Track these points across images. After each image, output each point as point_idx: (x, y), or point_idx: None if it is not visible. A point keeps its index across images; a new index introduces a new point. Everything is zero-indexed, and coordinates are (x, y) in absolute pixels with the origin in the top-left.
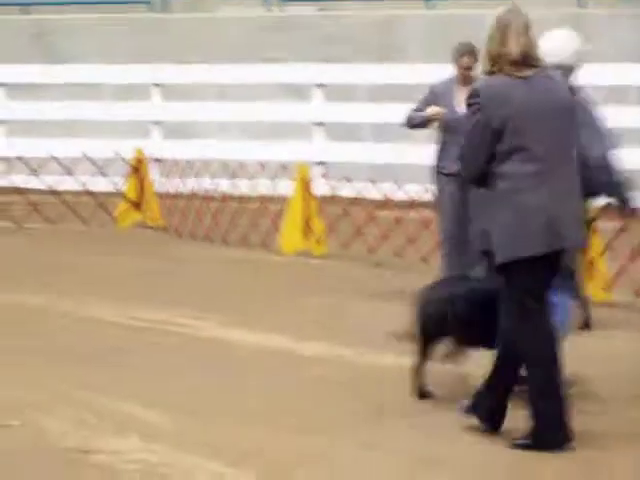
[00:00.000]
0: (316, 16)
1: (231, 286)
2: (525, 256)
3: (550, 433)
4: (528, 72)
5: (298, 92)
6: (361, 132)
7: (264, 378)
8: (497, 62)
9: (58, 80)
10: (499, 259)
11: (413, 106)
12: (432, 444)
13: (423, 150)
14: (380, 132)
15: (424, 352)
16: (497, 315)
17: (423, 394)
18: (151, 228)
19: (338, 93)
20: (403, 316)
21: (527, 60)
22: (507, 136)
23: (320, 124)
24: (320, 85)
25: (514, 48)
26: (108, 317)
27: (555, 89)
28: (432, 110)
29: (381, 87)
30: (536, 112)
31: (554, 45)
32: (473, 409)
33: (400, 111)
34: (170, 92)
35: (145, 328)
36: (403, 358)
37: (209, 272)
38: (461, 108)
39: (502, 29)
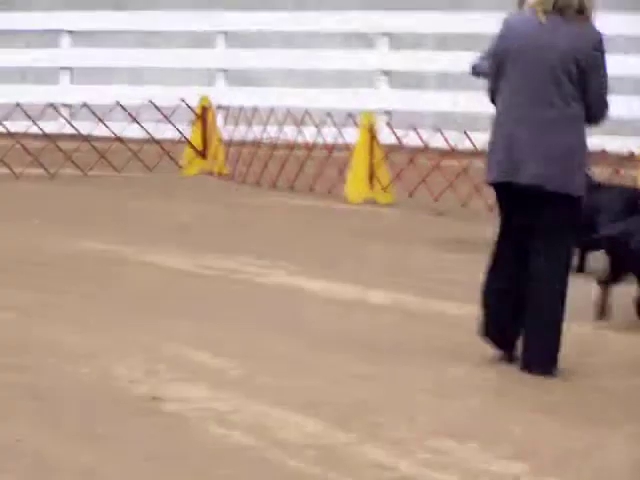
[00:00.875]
0: None
1: (298, 234)
2: (490, 181)
3: None
4: (554, 17)
5: (364, 40)
6: (426, 80)
7: (334, 326)
8: (534, 5)
9: (124, 27)
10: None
11: (479, 54)
12: (511, 386)
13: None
14: (445, 80)
15: (609, 281)
16: None
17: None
18: (216, 176)
19: (404, 41)
20: (468, 264)
21: (562, 7)
22: (503, 70)
23: (385, 72)
24: (386, 33)
25: None
26: (175, 265)
27: (567, 37)
28: None
29: (448, 35)
30: (529, 54)
31: None
32: None
33: (465, 59)
34: (235, 39)
35: (212, 276)
36: (467, 307)
37: (275, 220)
38: None
39: None
